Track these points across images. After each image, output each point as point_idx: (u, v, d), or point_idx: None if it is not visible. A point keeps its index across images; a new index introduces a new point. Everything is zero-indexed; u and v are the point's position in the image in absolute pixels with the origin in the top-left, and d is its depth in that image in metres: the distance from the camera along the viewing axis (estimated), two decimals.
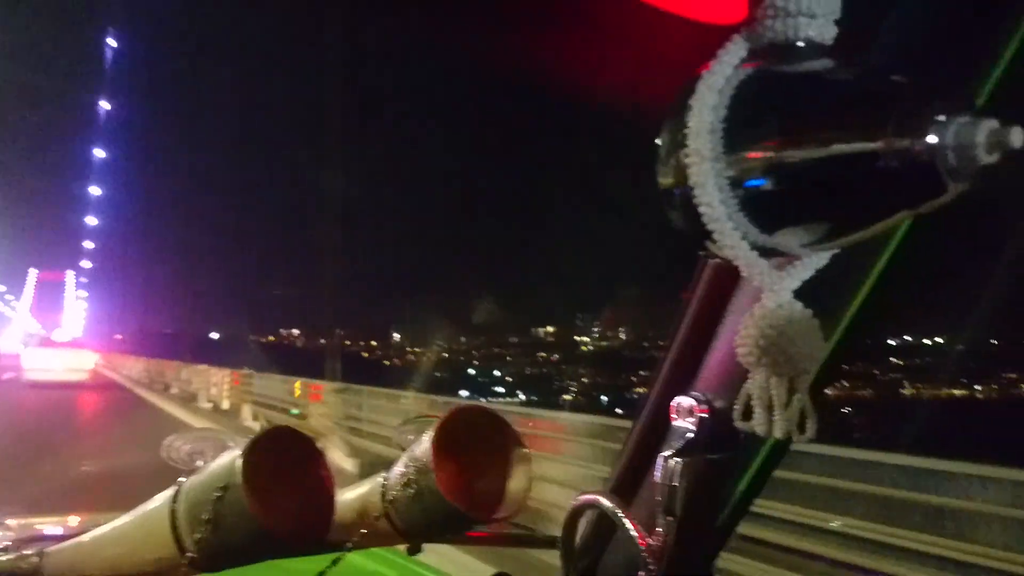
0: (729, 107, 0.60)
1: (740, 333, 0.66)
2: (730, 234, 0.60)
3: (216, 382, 21.95)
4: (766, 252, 0.62)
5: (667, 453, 0.90)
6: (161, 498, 0.96)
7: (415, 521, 1.02)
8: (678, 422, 0.92)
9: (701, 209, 0.60)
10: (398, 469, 1.04)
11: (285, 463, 0.94)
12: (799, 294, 0.66)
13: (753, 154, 0.59)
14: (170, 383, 29.23)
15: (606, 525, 1.04)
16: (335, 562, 1.04)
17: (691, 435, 0.90)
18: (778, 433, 0.67)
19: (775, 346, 0.65)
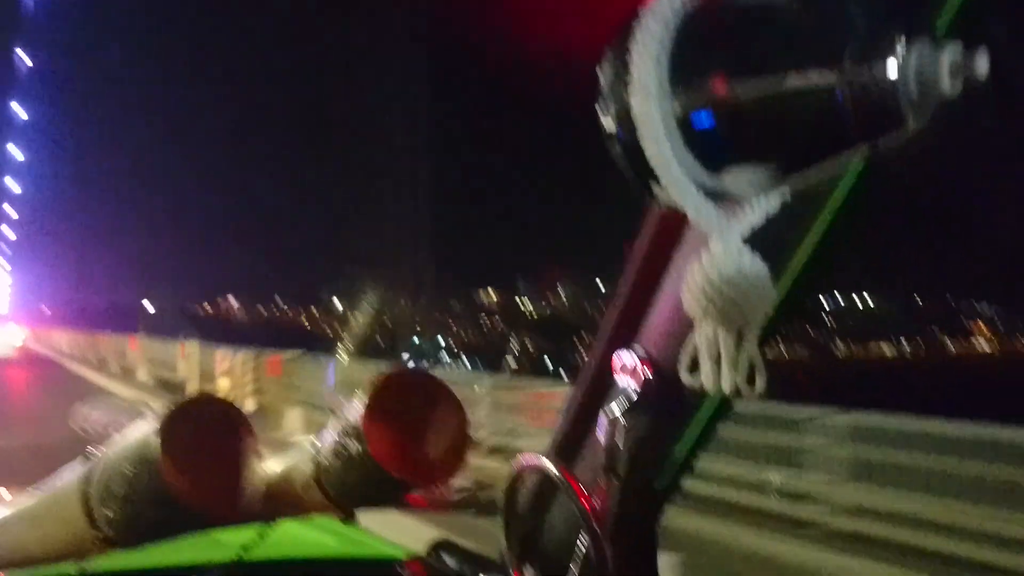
0: (676, 38, 0.56)
1: (686, 282, 0.63)
2: (676, 175, 0.56)
3: (230, 369, 15.25)
4: (715, 195, 0.58)
5: (609, 412, 0.87)
6: (72, 473, 0.89)
7: (348, 489, 0.98)
8: (621, 379, 0.88)
9: (645, 148, 0.56)
10: (330, 435, 0.99)
11: (206, 433, 0.88)
12: (749, 241, 0.63)
13: (702, 89, 0.55)
14: (132, 367, 22.31)
15: (548, 487, 1.02)
16: (263, 533, 0.99)
17: (634, 392, 0.87)
18: (726, 388, 0.64)
19: (722, 295, 0.61)
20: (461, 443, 0.99)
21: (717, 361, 0.64)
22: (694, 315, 0.64)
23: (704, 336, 0.64)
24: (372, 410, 0.94)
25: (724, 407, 0.90)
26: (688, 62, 0.55)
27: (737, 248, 0.62)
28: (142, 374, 21.13)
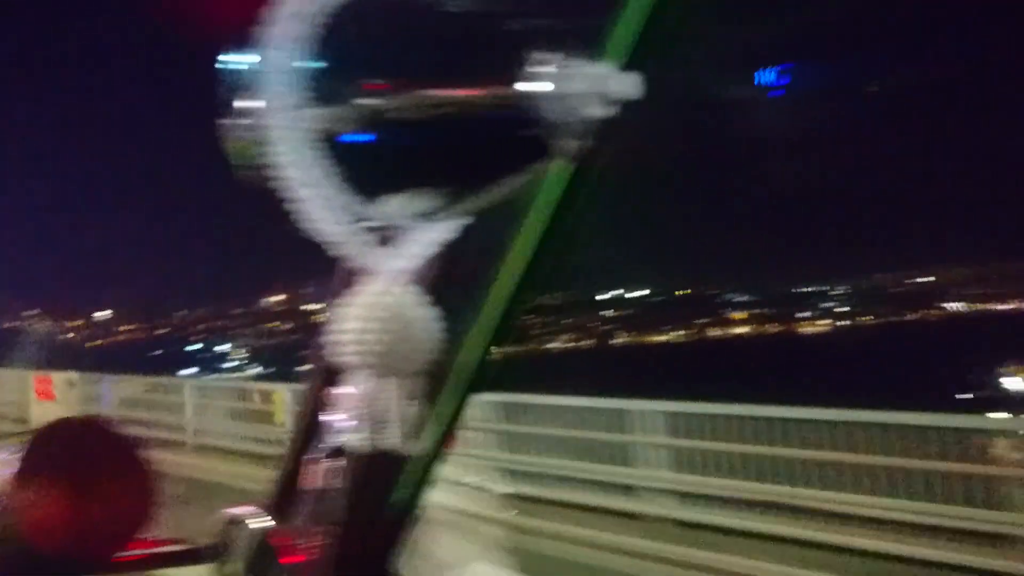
0: (319, 42, 0.47)
1: (336, 327, 0.54)
2: (317, 202, 0.47)
3: None
4: (373, 225, 0.50)
5: (323, 453, 0.79)
6: None
7: (7, 566, 0.81)
8: (333, 417, 0.80)
9: (281, 171, 0.46)
10: None
11: None
12: (420, 276, 0.55)
13: (348, 101, 0.46)
14: None
15: (263, 540, 0.91)
16: None
17: (348, 430, 0.79)
18: (388, 446, 0.57)
19: (381, 342, 0.53)
20: (147, 495, 0.86)
21: (379, 417, 0.56)
22: (347, 366, 0.55)
23: (362, 390, 0.56)
24: (23, 473, 0.78)
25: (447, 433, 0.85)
26: (333, 69, 0.47)
27: (399, 287, 0.54)
28: None
